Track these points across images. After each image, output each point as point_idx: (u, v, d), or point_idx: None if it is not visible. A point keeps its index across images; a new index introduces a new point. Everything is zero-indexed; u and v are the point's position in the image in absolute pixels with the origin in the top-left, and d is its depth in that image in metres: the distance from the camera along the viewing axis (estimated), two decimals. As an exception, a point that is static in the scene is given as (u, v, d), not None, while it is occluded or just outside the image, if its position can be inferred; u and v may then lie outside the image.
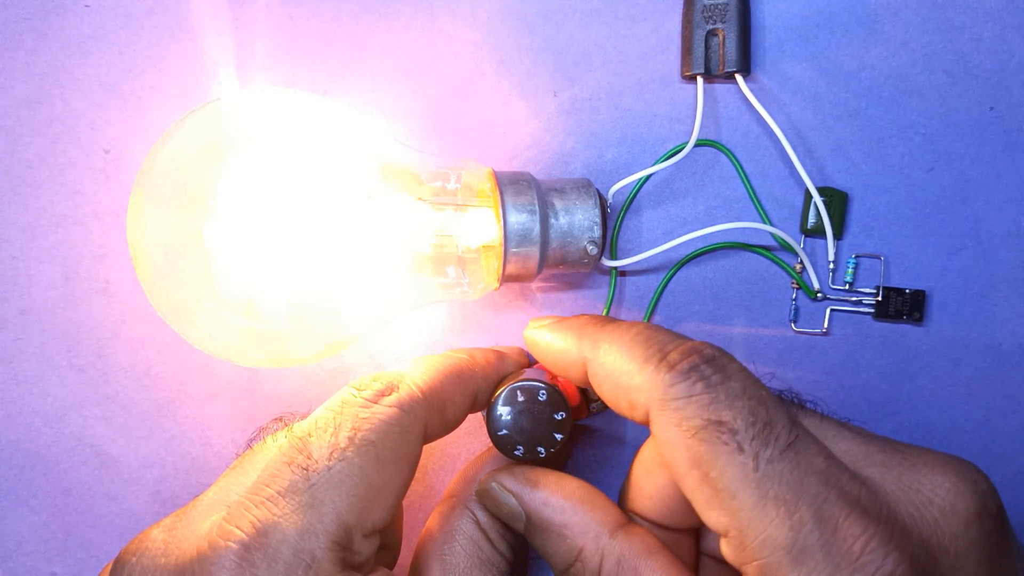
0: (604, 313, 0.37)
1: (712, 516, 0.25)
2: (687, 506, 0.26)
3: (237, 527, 0.25)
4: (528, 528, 0.30)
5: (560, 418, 0.31)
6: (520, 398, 0.31)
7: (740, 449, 0.24)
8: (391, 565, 0.32)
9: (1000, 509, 0.25)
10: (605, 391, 0.28)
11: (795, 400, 0.29)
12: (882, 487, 0.25)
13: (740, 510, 0.24)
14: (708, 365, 0.25)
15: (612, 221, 0.38)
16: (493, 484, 0.31)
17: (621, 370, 0.27)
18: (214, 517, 0.27)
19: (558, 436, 0.31)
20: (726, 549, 0.25)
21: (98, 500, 0.38)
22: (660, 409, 0.25)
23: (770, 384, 0.29)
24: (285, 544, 0.25)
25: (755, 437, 0.24)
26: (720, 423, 0.24)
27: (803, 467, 0.24)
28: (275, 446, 0.30)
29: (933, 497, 0.25)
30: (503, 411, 0.31)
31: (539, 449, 0.31)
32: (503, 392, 0.31)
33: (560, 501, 0.30)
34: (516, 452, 0.31)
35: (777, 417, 0.25)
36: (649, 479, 0.30)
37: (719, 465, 0.24)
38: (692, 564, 0.31)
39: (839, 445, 0.27)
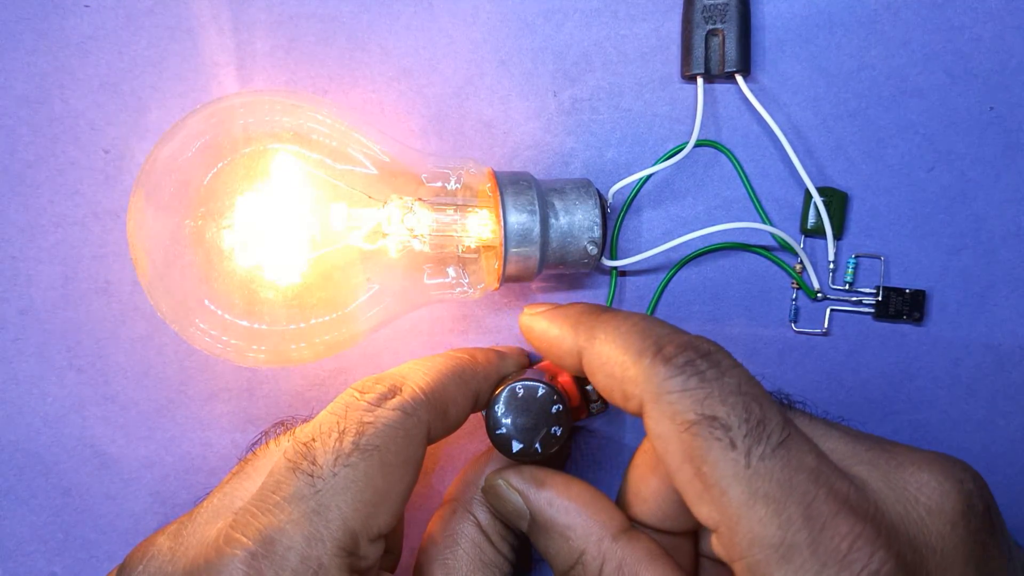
0: (604, 313, 0.37)
1: (703, 511, 0.25)
2: (683, 509, 0.26)
3: (244, 535, 0.25)
4: (531, 528, 0.30)
5: (559, 418, 0.31)
6: (519, 397, 0.31)
7: (733, 445, 0.24)
8: (392, 568, 0.32)
9: (987, 508, 0.25)
10: (599, 381, 0.28)
11: (784, 401, 0.29)
12: (870, 485, 0.25)
13: (730, 506, 0.24)
14: (704, 360, 0.25)
15: (612, 221, 0.38)
16: (499, 481, 0.31)
17: (616, 361, 0.27)
18: (220, 524, 0.27)
19: (557, 435, 0.31)
20: (716, 545, 0.25)
21: (98, 500, 0.38)
22: (654, 402, 0.25)
23: None
24: (292, 551, 0.25)
25: (748, 434, 0.24)
26: (714, 418, 0.24)
27: (793, 465, 0.24)
28: (279, 451, 0.30)
29: (919, 496, 0.25)
30: (502, 411, 0.31)
31: (538, 447, 0.31)
32: (502, 392, 0.31)
33: (565, 502, 0.30)
34: (515, 451, 0.31)
35: (770, 415, 0.25)
36: (644, 484, 0.30)
37: (711, 460, 0.24)
38: (691, 567, 0.31)
39: (827, 444, 0.27)
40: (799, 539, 0.23)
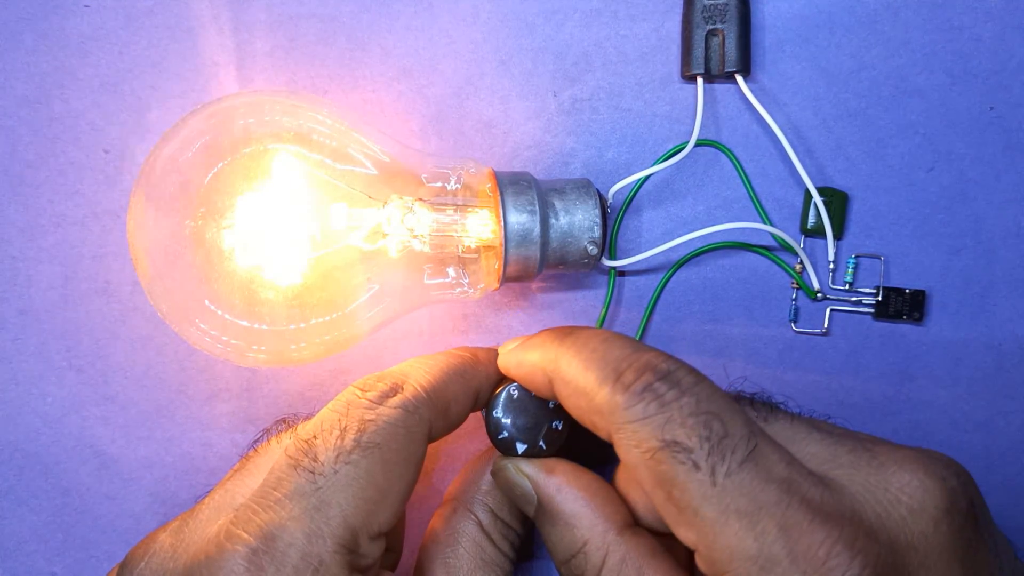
0: (602, 313, 0.37)
1: (681, 532, 0.25)
2: None
3: (244, 531, 0.25)
4: (538, 513, 0.30)
5: (558, 411, 0.32)
6: (516, 399, 0.31)
7: (696, 467, 0.24)
8: (393, 566, 0.33)
9: (971, 505, 0.25)
10: (572, 411, 0.28)
11: (766, 401, 0.29)
12: (848, 489, 0.25)
13: (704, 526, 0.24)
14: (662, 382, 0.25)
15: (612, 221, 0.38)
16: (508, 465, 0.31)
17: (580, 392, 0.27)
18: (221, 521, 0.27)
19: (559, 429, 0.31)
20: (699, 563, 0.25)
21: (98, 500, 0.38)
22: (618, 432, 0.25)
23: (742, 387, 0.29)
24: (292, 548, 0.25)
25: (710, 453, 0.24)
26: (675, 443, 0.24)
27: (763, 476, 0.24)
28: (280, 448, 0.30)
29: (901, 496, 0.25)
30: (501, 414, 0.31)
31: (542, 445, 0.31)
32: (499, 395, 0.32)
33: (574, 491, 0.30)
34: (521, 453, 0.31)
35: (734, 429, 0.25)
36: (630, 487, 0.30)
37: (679, 484, 0.24)
38: (688, 568, 0.31)
39: (808, 448, 0.27)
40: (776, 549, 0.23)
